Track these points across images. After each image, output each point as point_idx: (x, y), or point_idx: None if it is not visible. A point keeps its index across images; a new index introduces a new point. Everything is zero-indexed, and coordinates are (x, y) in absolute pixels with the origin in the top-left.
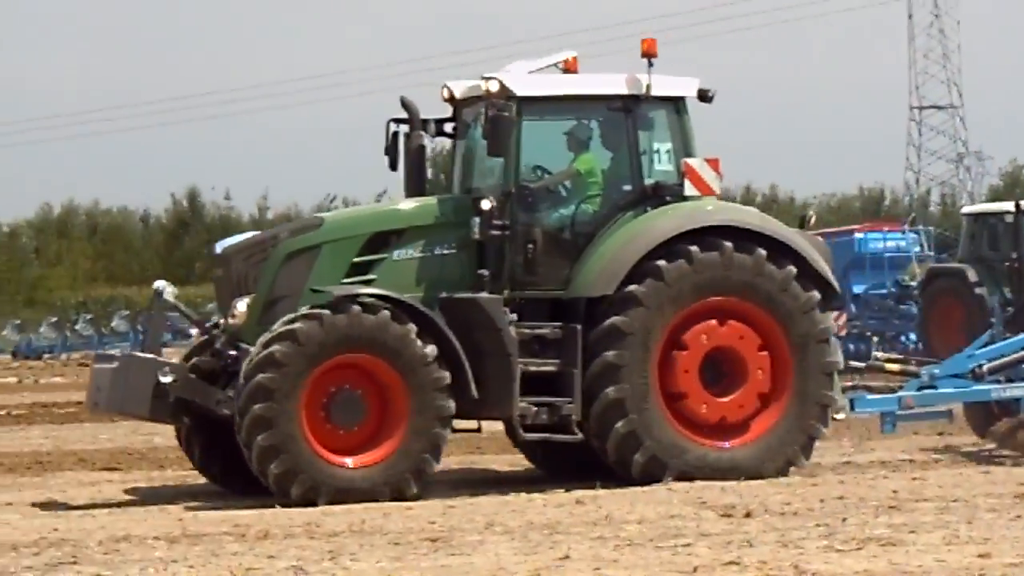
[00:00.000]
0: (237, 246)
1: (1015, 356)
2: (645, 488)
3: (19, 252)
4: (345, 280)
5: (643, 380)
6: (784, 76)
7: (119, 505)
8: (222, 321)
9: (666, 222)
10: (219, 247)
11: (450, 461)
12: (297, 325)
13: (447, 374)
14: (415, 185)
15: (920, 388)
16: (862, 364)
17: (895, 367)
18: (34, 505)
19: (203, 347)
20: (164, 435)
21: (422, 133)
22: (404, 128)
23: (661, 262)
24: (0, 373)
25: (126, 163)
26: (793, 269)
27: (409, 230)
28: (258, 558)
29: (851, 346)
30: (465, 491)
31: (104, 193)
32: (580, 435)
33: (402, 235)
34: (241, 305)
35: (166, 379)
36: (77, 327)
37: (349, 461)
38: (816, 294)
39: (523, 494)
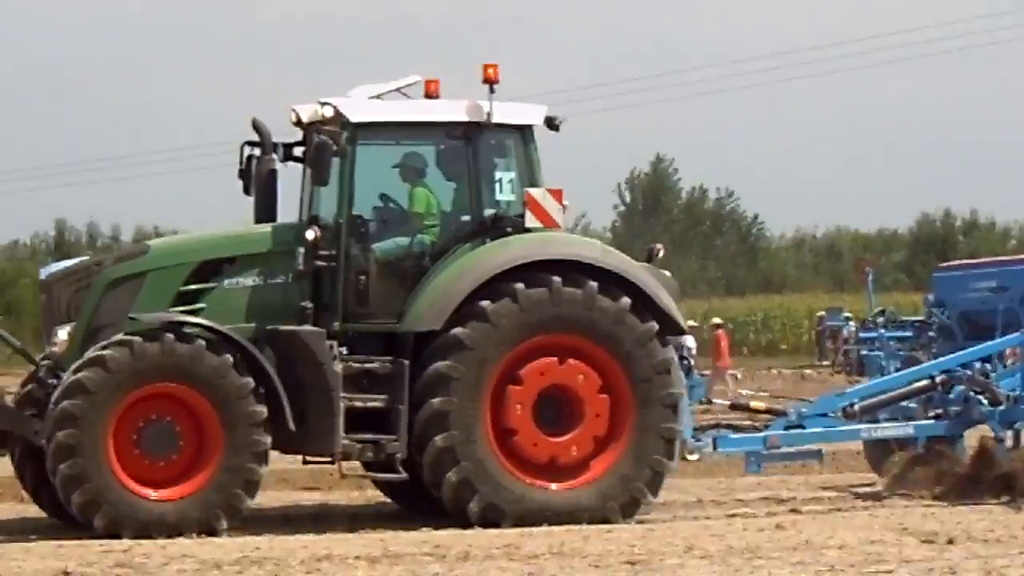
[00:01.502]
0: (59, 272)
1: (888, 395)
2: (845, 513)
3: None
4: (172, 309)
5: (473, 425)
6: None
7: (319, 524)
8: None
9: (497, 256)
10: (43, 272)
11: None
12: (107, 352)
13: (263, 408)
14: (265, 210)
15: (787, 427)
16: (727, 402)
17: (760, 405)
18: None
19: (34, 377)
20: None
21: (273, 157)
22: (258, 151)
23: (485, 302)
24: None
25: None
26: (627, 300)
27: (241, 258)
28: None
29: None
30: (664, 514)
31: None
32: (404, 474)
33: (233, 263)
34: (62, 333)
35: None
36: None
37: (155, 494)
38: (654, 324)
39: (722, 518)
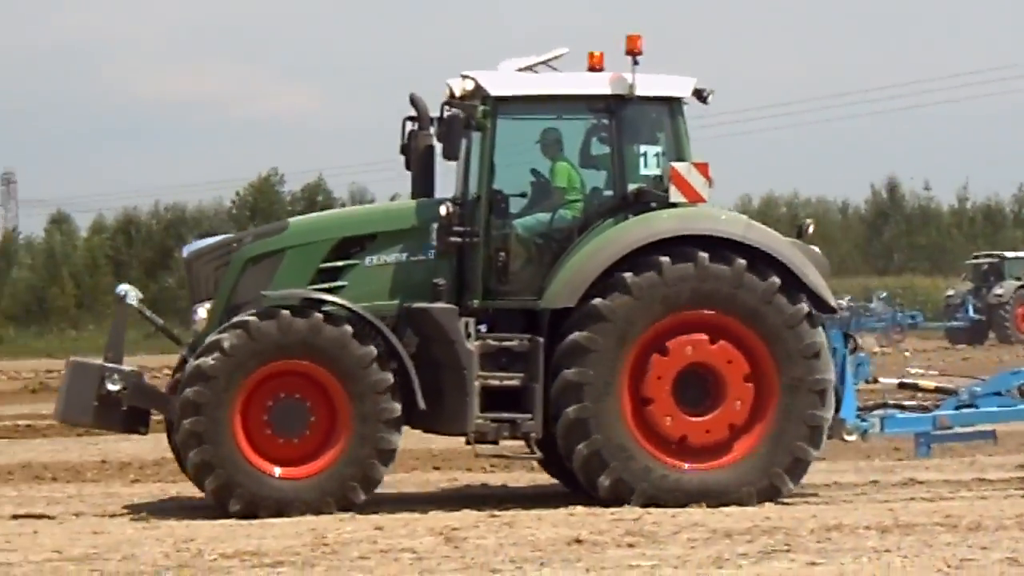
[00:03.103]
0: (200, 250)
1: None
2: None
3: None
4: (311, 287)
5: (608, 398)
6: None
7: (829, 494)
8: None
9: (636, 232)
10: (186, 250)
11: None
12: (224, 335)
13: (389, 375)
14: (422, 186)
15: (958, 407)
16: (894, 381)
17: (930, 384)
18: None
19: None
20: None
21: (430, 132)
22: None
23: (628, 274)
24: None
25: (826, 153)
26: (777, 281)
27: (382, 235)
28: (971, 549)
29: None
30: None
31: (804, 184)
32: (538, 453)
33: (375, 240)
34: (201, 311)
35: (114, 387)
36: None
37: (289, 472)
38: (804, 307)
39: None
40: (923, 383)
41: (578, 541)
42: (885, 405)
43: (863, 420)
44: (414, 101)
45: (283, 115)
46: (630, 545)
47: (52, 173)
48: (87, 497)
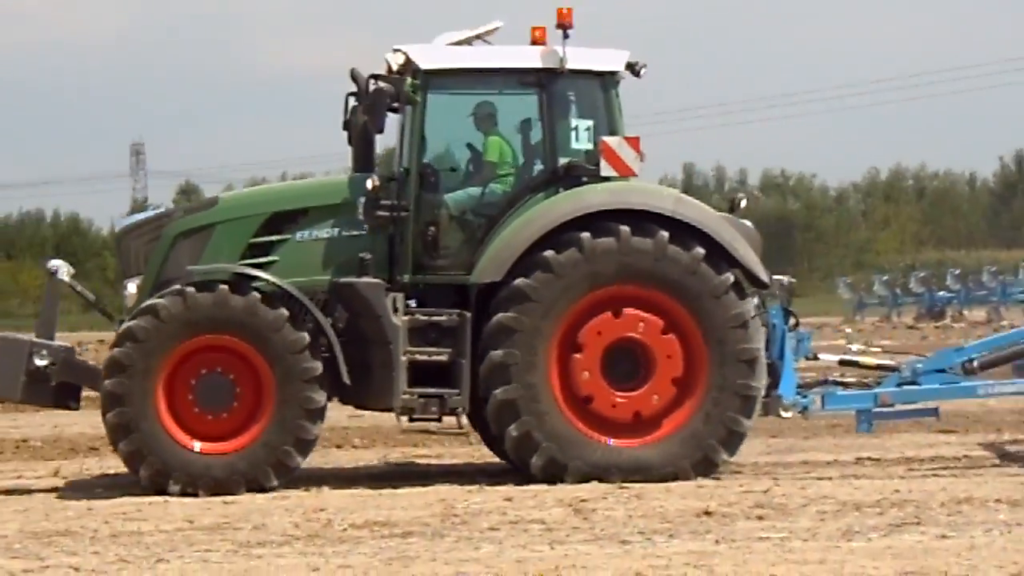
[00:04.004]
0: (131, 225)
1: (1010, 350)
2: None
3: (846, 215)
4: (241, 262)
5: (536, 378)
6: None
7: (959, 467)
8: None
9: (564, 206)
10: (117, 225)
11: None
12: (160, 301)
13: (318, 364)
14: (362, 162)
15: (900, 384)
16: (835, 358)
17: (871, 361)
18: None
19: None
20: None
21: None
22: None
23: (550, 252)
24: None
25: (955, 126)
26: (701, 251)
27: (314, 210)
28: None
29: None
30: None
31: (931, 156)
32: (464, 428)
33: (306, 215)
34: (131, 286)
35: (42, 362)
36: (910, 285)
37: (203, 446)
38: (729, 276)
39: None
40: (863, 360)
41: (707, 513)
42: (826, 382)
43: (803, 396)
44: (355, 77)
45: None
46: (759, 517)
47: (181, 144)
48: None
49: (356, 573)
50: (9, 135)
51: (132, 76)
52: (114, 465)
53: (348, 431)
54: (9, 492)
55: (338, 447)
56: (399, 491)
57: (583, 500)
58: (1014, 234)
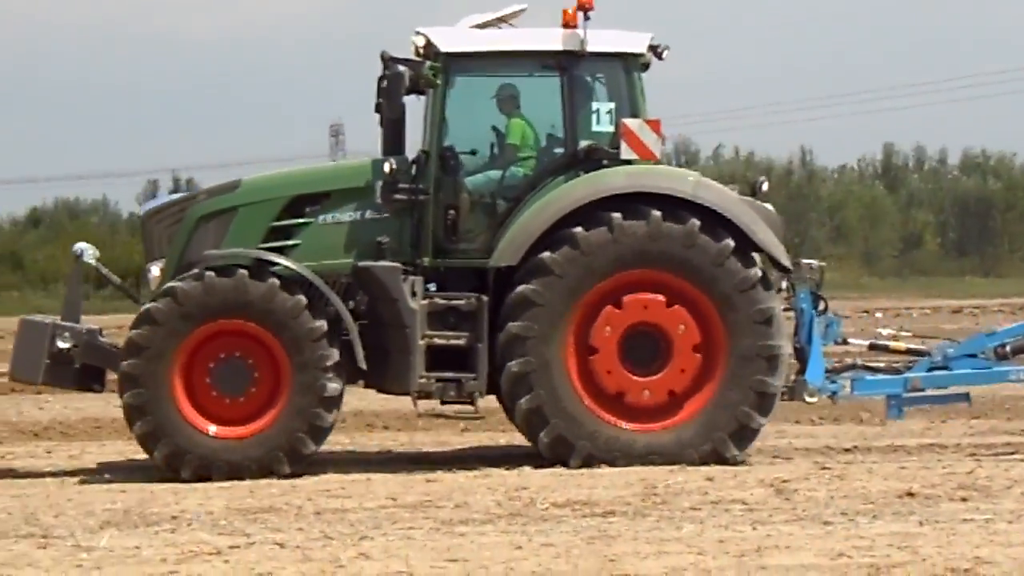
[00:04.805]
0: (155, 208)
1: None
2: None
3: None
4: (263, 245)
5: (552, 353)
6: None
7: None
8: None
9: (583, 189)
10: (142, 209)
11: None
12: (180, 284)
13: (334, 352)
14: (392, 143)
15: (931, 369)
16: (864, 342)
17: (901, 346)
18: None
19: None
20: None
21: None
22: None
23: (578, 229)
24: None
25: None
26: (731, 243)
27: (336, 192)
28: None
29: None
30: None
31: None
32: (478, 412)
33: (328, 198)
34: (155, 269)
35: (64, 344)
36: None
37: (218, 430)
38: (756, 272)
39: None
40: (894, 345)
41: (910, 494)
42: (855, 367)
43: (832, 382)
44: (384, 60)
45: None
46: (963, 499)
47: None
48: (419, 445)
49: (559, 551)
50: (214, 119)
51: (330, 59)
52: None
53: None
54: None
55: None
56: (600, 471)
57: (785, 481)
58: None
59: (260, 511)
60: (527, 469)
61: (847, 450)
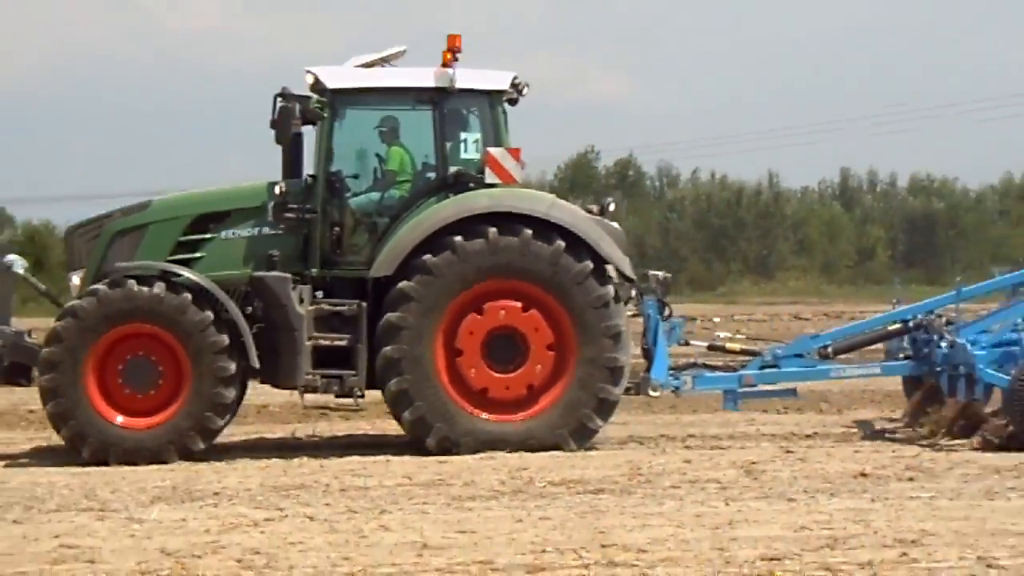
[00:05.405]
0: (78, 224)
1: (863, 337)
2: None
3: (985, 214)
4: (172, 258)
5: (425, 368)
6: None
7: None
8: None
9: (448, 209)
10: (67, 225)
11: None
12: (77, 302)
13: (224, 337)
14: (291, 168)
15: (762, 367)
16: (704, 344)
17: (736, 346)
18: None
19: None
20: None
21: (298, 120)
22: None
23: (427, 256)
24: None
25: None
26: (561, 243)
27: (235, 211)
28: None
29: None
30: None
31: None
32: (360, 405)
33: (229, 216)
34: (75, 279)
35: None
36: None
37: (132, 422)
38: (588, 263)
39: None
40: (730, 345)
41: (863, 475)
42: (695, 365)
43: (675, 378)
44: (277, 95)
45: (600, 99)
46: (910, 479)
47: None
48: None
49: (555, 524)
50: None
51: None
52: (344, 428)
53: None
54: (252, 450)
55: None
56: (591, 453)
57: (754, 463)
58: None
59: (292, 488)
60: (528, 453)
61: (808, 436)
